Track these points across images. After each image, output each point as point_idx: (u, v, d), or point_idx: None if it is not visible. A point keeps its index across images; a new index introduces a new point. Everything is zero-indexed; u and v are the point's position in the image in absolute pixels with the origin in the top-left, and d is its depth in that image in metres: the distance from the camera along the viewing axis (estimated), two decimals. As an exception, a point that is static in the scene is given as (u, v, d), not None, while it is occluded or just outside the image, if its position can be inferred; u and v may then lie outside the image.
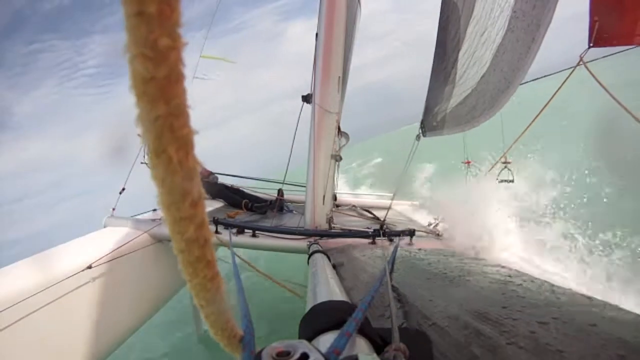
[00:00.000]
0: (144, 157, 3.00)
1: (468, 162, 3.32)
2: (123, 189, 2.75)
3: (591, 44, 1.35)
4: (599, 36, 1.32)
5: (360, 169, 13.18)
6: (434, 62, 2.65)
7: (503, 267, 1.25)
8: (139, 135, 0.22)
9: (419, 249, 1.97)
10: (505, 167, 2.61)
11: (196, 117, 0.23)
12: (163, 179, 0.23)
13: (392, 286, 0.81)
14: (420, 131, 2.81)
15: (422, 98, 2.80)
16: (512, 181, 2.62)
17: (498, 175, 2.63)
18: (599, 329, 0.57)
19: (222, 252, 2.76)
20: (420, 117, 2.83)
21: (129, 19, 0.18)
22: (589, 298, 0.80)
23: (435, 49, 2.62)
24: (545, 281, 0.93)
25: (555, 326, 0.59)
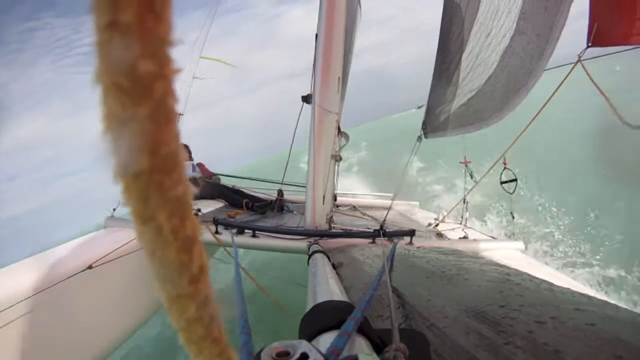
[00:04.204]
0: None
1: (466, 162, 3.27)
2: None
3: (590, 44, 1.36)
4: (598, 36, 1.32)
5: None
6: (436, 62, 2.63)
7: (502, 265, 1.25)
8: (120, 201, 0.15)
9: (418, 247, 1.97)
10: (505, 168, 2.58)
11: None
12: (152, 251, 0.17)
13: (391, 285, 0.81)
14: (422, 132, 2.80)
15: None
16: (515, 180, 2.58)
17: (500, 177, 2.61)
18: (597, 328, 0.57)
19: (222, 253, 2.76)
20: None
21: (99, 32, 0.13)
22: (588, 297, 0.80)
23: (438, 49, 2.61)
24: (544, 280, 0.93)
25: (553, 326, 0.59)
